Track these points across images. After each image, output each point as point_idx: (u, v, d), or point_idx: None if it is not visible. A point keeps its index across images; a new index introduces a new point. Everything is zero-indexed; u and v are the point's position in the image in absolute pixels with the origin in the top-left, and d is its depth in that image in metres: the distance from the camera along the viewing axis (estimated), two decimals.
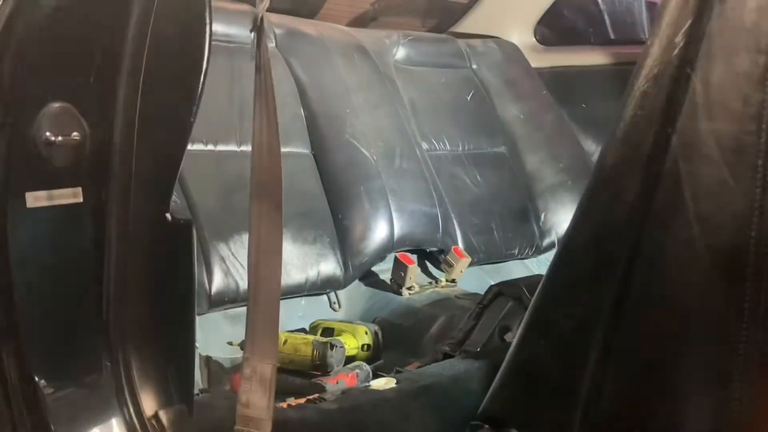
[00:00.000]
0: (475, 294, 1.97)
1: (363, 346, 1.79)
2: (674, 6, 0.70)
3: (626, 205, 0.73)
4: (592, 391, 0.79)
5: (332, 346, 1.66)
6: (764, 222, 0.65)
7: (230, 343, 1.73)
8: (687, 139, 0.69)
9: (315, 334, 1.81)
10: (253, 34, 1.16)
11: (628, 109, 0.73)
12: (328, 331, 1.82)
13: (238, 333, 1.63)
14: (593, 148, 2.57)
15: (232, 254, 1.73)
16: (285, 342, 1.68)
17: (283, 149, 1.36)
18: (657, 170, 0.71)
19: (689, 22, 0.69)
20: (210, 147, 1.83)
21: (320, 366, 1.65)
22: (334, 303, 2.03)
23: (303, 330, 1.89)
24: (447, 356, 1.63)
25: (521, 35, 2.76)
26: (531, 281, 1.70)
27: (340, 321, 1.90)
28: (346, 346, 1.72)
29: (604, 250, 0.76)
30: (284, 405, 1.43)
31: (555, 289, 0.85)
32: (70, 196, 1.03)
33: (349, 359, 1.73)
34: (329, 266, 1.93)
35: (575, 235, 0.80)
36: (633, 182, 0.72)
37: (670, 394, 0.73)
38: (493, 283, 1.75)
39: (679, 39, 0.69)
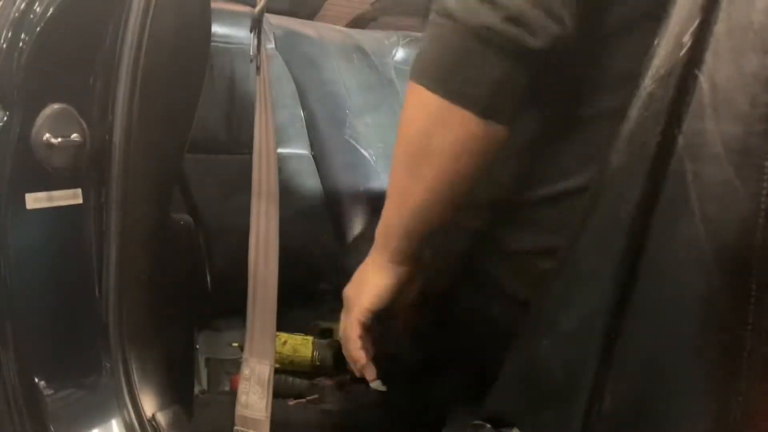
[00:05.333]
0: None
1: None
2: (682, 6, 0.70)
3: (631, 204, 0.73)
4: (594, 390, 0.79)
5: (332, 347, 1.66)
6: None
7: (230, 344, 1.73)
8: (693, 140, 0.69)
9: (314, 335, 1.81)
10: (252, 35, 1.16)
11: (633, 109, 0.73)
12: (327, 332, 1.82)
13: (238, 334, 1.63)
14: None
15: (232, 254, 1.73)
16: (285, 343, 1.68)
17: (282, 150, 1.37)
18: (662, 170, 0.71)
19: (697, 22, 0.69)
20: (210, 147, 1.83)
21: (320, 367, 1.65)
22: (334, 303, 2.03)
23: (302, 331, 1.89)
24: None
25: None
26: None
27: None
28: None
29: (608, 249, 0.76)
30: (291, 403, 1.43)
31: (557, 288, 0.85)
32: (70, 197, 1.03)
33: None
34: (328, 268, 1.93)
35: (578, 235, 0.80)
36: (638, 182, 0.72)
37: (673, 394, 0.73)
38: None
39: (687, 39, 0.69)
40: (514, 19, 0.79)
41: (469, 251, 0.98)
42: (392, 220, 0.93)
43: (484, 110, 0.83)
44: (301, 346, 1.67)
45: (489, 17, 0.79)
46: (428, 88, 0.83)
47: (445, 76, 0.83)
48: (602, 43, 0.86)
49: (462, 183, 0.88)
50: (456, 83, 0.82)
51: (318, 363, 1.65)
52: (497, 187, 0.95)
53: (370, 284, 1.00)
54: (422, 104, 0.85)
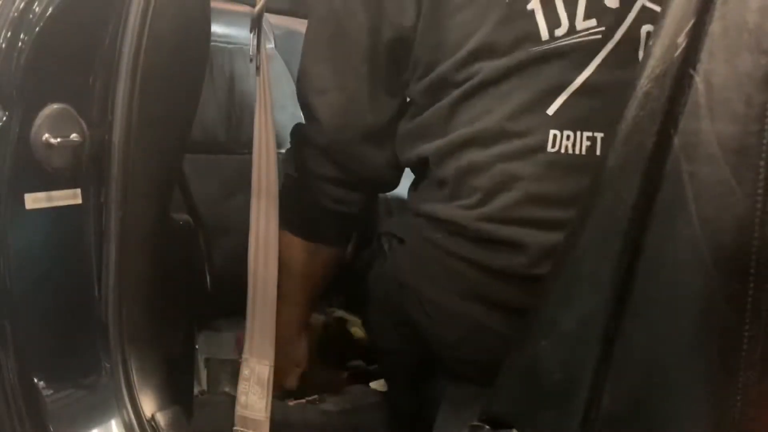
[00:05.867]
0: None
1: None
2: (676, 7, 0.71)
3: (628, 205, 0.73)
4: (593, 391, 0.79)
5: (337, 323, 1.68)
6: (767, 223, 0.65)
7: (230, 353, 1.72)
8: (689, 140, 0.69)
9: (329, 318, 1.82)
10: (252, 34, 1.16)
11: (630, 110, 0.73)
12: (341, 322, 1.83)
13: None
14: None
15: (232, 254, 1.73)
16: None
17: (282, 150, 1.37)
18: (659, 170, 0.71)
19: (691, 22, 0.69)
20: (210, 147, 1.83)
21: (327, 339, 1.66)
22: (334, 303, 2.03)
23: None
24: None
25: None
26: None
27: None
28: (355, 335, 1.73)
29: (606, 250, 0.76)
30: (291, 403, 1.43)
31: (556, 289, 0.85)
32: (70, 197, 1.03)
33: (356, 347, 1.74)
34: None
35: (577, 235, 0.80)
36: (635, 182, 0.72)
37: (671, 394, 0.73)
38: None
39: (682, 39, 0.70)
40: (339, 202, 1.25)
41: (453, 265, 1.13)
42: (293, 309, 1.37)
43: (335, 243, 1.33)
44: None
45: (324, 200, 1.25)
46: (294, 234, 1.28)
47: (304, 229, 1.29)
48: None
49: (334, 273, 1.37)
50: (313, 233, 1.29)
51: (325, 342, 1.65)
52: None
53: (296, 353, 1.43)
54: (293, 244, 1.29)
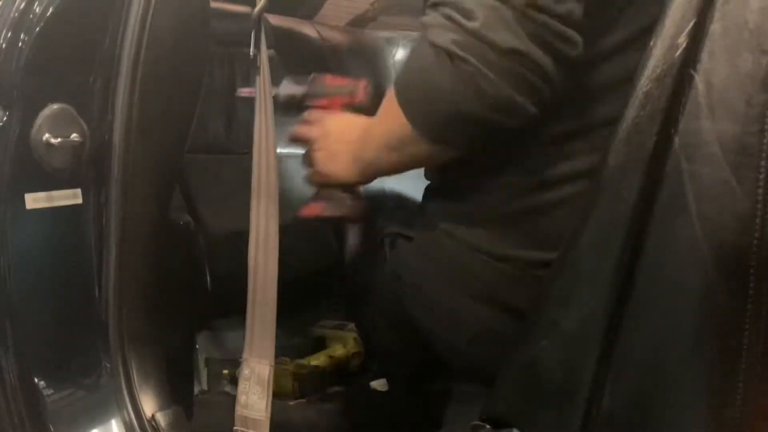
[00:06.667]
0: None
1: (352, 354, 1.78)
2: (677, 7, 0.71)
3: (628, 205, 0.73)
4: (593, 391, 0.79)
5: (310, 376, 1.64)
6: (767, 223, 0.65)
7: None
8: (690, 140, 0.69)
9: (311, 340, 1.81)
10: (252, 34, 1.16)
11: (630, 110, 0.73)
12: (320, 341, 1.82)
13: (238, 334, 1.62)
14: None
15: (232, 254, 1.73)
16: None
17: (282, 150, 1.36)
18: (659, 170, 0.71)
19: (692, 23, 0.69)
20: (210, 147, 1.83)
21: (300, 391, 1.63)
22: (335, 303, 2.03)
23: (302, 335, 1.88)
24: None
25: None
26: None
27: (337, 324, 1.90)
28: (334, 355, 1.72)
29: (606, 250, 0.76)
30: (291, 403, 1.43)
31: (556, 289, 0.85)
32: (70, 197, 1.03)
33: (339, 368, 1.73)
34: (328, 267, 1.93)
35: (577, 235, 0.80)
36: (635, 182, 0.73)
37: (672, 394, 0.73)
38: None
39: (682, 40, 0.70)
40: (497, 108, 0.88)
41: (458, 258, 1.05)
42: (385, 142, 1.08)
43: (461, 149, 0.98)
44: (281, 377, 1.63)
45: (474, 106, 0.89)
46: (413, 125, 0.96)
47: (431, 124, 0.95)
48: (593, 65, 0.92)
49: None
50: (439, 133, 0.95)
51: (298, 393, 1.63)
52: (488, 195, 1.02)
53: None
54: (404, 133, 0.98)
